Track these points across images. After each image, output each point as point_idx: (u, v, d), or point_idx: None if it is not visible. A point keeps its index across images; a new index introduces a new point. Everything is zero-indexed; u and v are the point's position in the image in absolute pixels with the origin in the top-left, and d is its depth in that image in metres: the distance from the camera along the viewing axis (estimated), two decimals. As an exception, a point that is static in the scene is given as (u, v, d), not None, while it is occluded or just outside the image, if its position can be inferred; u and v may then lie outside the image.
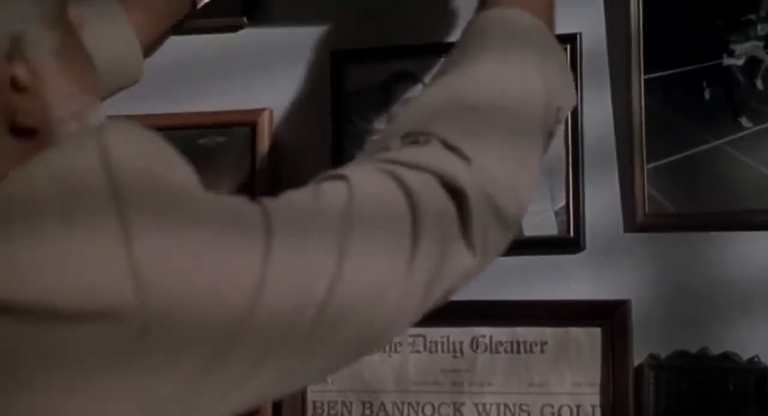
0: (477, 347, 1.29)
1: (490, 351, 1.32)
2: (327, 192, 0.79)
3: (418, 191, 0.81)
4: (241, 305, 0.70)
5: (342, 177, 0.81)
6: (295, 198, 0.78)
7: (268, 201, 0.76)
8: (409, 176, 0.81)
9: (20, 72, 0.72)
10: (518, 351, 1.31)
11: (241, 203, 0.75)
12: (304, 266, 0.73)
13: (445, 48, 1.24)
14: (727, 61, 1.23)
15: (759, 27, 1.22)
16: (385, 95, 1.32)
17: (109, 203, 0.67)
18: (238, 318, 0.70)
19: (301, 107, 1.34)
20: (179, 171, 0.72)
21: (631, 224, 1.25)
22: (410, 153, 0.84)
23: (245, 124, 1.33)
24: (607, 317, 1.24)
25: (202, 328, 0.69)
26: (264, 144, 1.33)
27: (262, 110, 1.34)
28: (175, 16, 1.26)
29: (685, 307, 1.24)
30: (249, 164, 1.33)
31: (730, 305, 1.22)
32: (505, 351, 1.31)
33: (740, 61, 1.22)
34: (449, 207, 0.82)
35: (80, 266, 0.66)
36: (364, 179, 0.81)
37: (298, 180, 1.29)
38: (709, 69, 1.23)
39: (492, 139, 0.87)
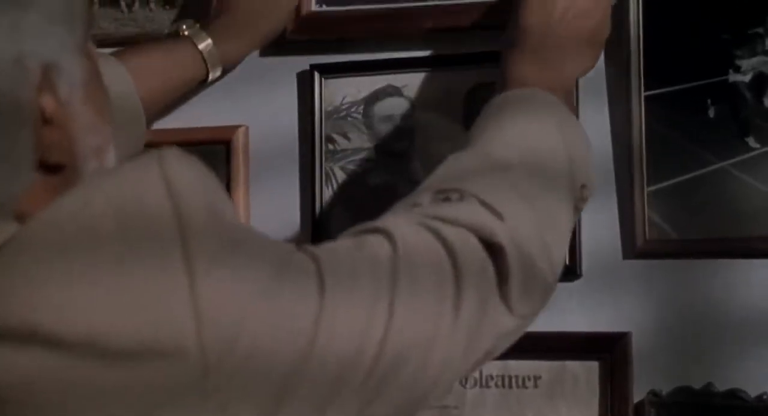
0: (466, 381, 1.26)
1: (480, 386, 1.28)
2: (371, 244, 0.80)
3: (457, 246, 0.81)
4: (298, 349, 0.70)
5: (382, 230, 0.81)
6: (339, 248, 0.79)
7: (310, 248, 0.77)
8: (447, 230, 0.82)
9: (49, 104, 0.70)
10: (510, 386, 1.27)
11: (290, 247, 0.75)
12: (357, 313, 0.74)
13: (432, 61, 1.27)
14: (733, 77, 1.18)
15: (767, 41, 1.17)
16: (367, 111, 1.29)
17: (175, 239, 0.66)
18: (297, 362, 0.70)
19: (277, 124, 1.31)
20: (230, 207, 0.73)
21: (631, 251, 1.21)
22: (445, 209, 0.85)
23: (219, 141, 1.30)
24: (606, 350, 1.20)
25: (261, 372, 0.69)
26: (239, 162, 1.30)
27: (237, 126, 1.31)
28: (186, 86, 1.25)
29: (689, 340, 1.19)
30: (224, 182, 1.29)
31: (737, 338, 1.17)
32: (496, 386, 1.28)
33: (747, 78, 1.18)
34: (487, 263, 0.83)
35: (141, 303, 0.65)
36: (405, 232, 0.81)
37: (275, 200, 1.32)
38: (714, 86, 1.19)
39: (523, 199, 0.88)
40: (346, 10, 1.33)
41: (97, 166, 0.74)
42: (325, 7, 1.34)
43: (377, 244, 0.79)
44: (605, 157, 1.21)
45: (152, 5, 1.33)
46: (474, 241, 0.82)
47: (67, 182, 0.71)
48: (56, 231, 0.66)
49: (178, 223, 0.66)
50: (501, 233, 0.83)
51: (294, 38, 1.34)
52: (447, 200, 0.87)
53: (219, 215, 0.69)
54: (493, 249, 0.83)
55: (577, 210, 0.97)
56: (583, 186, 0.96)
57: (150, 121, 1.24)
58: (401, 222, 0.83)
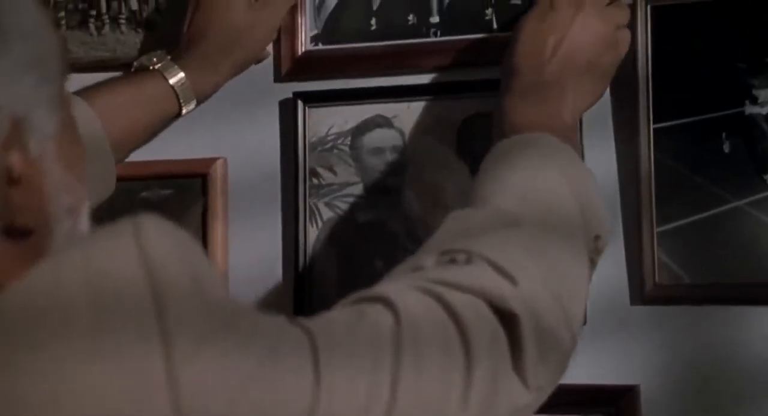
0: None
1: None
2: (371, 314, 0.74)
3: (466, 315, 0.76)
4: None
5: (382, 299, 0.75)
6: (335, 320, 0.73)
7: (305, 321, 0.72)
8: (454, 298, 0.76)
9: (18, 162, 0.65)
10: (509, 442, 1.16)
11: (282, 321, 0.70)
12: (357, 390, 0.69)
13: (425, 89, 1.22)
14: (750, 109, 1.13)
15: (786, 70, 1.11)
16: (355, 143, 1.25)
17: (151, 319, 0.62)
18: None
19: (258, 156, 1.27)
20: (216, 279, 0.67)
21: (639, 296, 1.15)
22: (451, 272, 0.80)
23: (195, 175, 1.26)
24: (612, 404, 1.14)
25: None
26: (216, 197, 1.25)
27: (215, 158, 1.27)
28: (157, 123, 1.18)
29: (702, 393, 1.13)
30: (199, 220, 1.25)
31: (754, 392, 1.12)
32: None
33: (765, 110, 1.13)
34: (499, 333, 0.77)
35: (113, 390, 0.61)
36: (408, 300, 0.75)
37: (255, 238, 1.26)
38: (729, 118, 1.13)
39: (536, 258, 0.82)
40: (345, 49, 1.28)
41: (70, 228, 0.69)
42: (321, 46, 1.30)
43: (377, 315, 0.74)
44: (611, 195, 1.16)
45: (123, 28, 1.28)
46: (484, 308, 0.77)
47: (36, 249, 0.66)
48: (26, 308, 0.62)
49: (155, 300, 0.62)
50: (514, 298, 0.78)
51: (289, 80, 1.30)
52: (453, 262, 0.81)
53: (202, 289, 0.64)
54: (506, 317, 0.77)
55: (593, 264, 0.92)
56: (597, 237, 0.91)
57: (119, 160, 1.18)
58: (403, 289, 0.77)
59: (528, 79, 1.02)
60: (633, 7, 1.17)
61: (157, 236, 0.63)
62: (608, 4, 1.11)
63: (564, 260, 0.85)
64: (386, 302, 0.74)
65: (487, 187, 0.91)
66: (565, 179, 0.91)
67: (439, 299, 0.76)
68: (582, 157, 1.13)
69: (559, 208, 0.88)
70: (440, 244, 0.84)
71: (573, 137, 1.01)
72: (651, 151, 1.15)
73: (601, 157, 1.17)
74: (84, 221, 0.70)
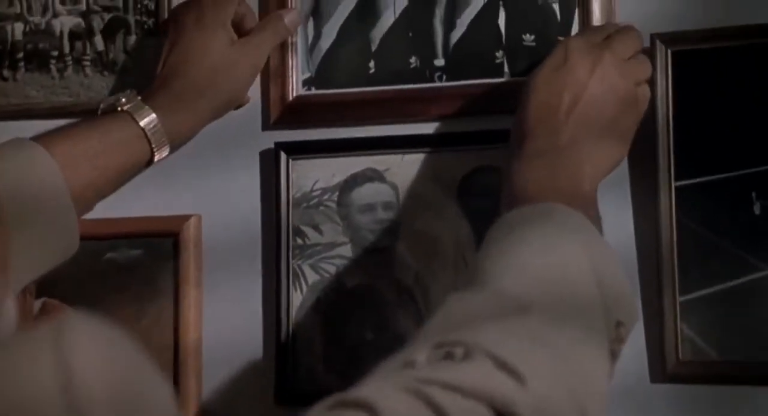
0: None
1: None
2: None
3: None
4: None
5: (363, 403, 0.67)
6: None
7: None
8: (449, 402, 0.68)
9: None
10: None
11: None
12: None
13: (421, 140, 1.17)
14: None
15: (825, 123, 1.06)
16: (343, 199, 1.22)
17: None
18: None
19: (236, 213, 1.22)
20: (157, 397, 0.58)
21: (661, 374, 1.09)
22: (447, 371, 0.71)
23: (166, 234, 1.21)
24: None
25: None
26: (189, 258, 1.20)
27: (188, 216, 1.22)
28: (127, 172, 1.10)
29: None
30: (170, 284, 1.20)
31: None
32: None
33: None
34: None
35: None
36: (393, 405, 0.67)
37: (232, 304, 1.21)
38: (760, 176, 1.08)
39: (548, 351, 0.74)
40: (341, 94, 1.22)
41: None
42: (314, 91, 1.23)
43: None
44: (629, 260, 1.11)
45: (87, 70, 1.23)
46: (486, 414, 0.68)
47: None
48: None
49: None
50: (522, 402, 0.69)
51: (278, 128, 1.24)
52: (449, 357, 0.72)
53: (135, 408, 0.55)
54: None
55: (614, 356, 0.84)
56: (618, 324, 0.83)
57: (83, 214, 1.09)
58: (388, 391, 0.69)
59: (541, 142, 0.97)
60: (651, 52, 1.12)
61: (84, 344, 0.55)
62: (628, 58, 1.05)
63: (580, 353, 0.78)
64: (368, 409, 0.67)
65: (491, 265, 0.84)
66: (584, 258, 0.84)
67: (432, 404, 0.68)
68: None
69: (575, 292, 0.81)
70: (435, 334, 0.76)
71: (592, 208, 0.95)
72: (673, 212, 1.10)
73: (618, 219, 1.11)
74: (9, 316, 0.63)
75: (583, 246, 0.85)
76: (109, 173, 1.08)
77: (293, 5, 1.22)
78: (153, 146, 1.10)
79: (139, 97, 1.11)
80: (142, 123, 1.09)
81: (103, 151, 1.07)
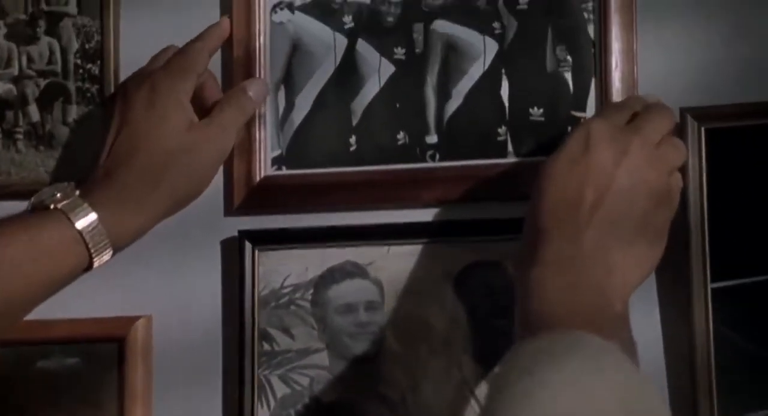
0: None
1: None
2: None
3: None
4: None
5: None
6: None
7: None
8: None
9: None
10: None
11: None
12: None
13: (410, 230, 1.10)
14: None
15: None
16: (318, 298, 1.13)
17: None
18: None
19: (192, 314, 1.15)
20: None
21: None
22: None
23: (109, 339, 1.14)
24: None
25: None
26: (137, 366, 1.13)
27: (135, 317, 1.14)
28: (60, 282, 1.01)
29: None
30: (113, 398, 1.13)
31: None
32: None
33: None
34: None
35: None
36: None
37: None
38: None
39: None
40: (316, 175, 1.13)
41: None
42: (285, 170, 1.14)
43: None
44: (657, 375, 1.04)
45: (20, 144, 1.17)
46: None
47: None
48: None
49: None
50: None
51: (242, 213, 1.14)
52: None
53: None
54: None
55: None
56: None
57: (6, 328, 1.02)
58: None
59: (560, 247, 0.88)
60: (681, 129, 1.04)
61: None
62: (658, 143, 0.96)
63: None
64: None
65: (503, 410, 0.75)
66: (619, 403, 0.76)
67: None
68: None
69: None
70: None
71: (624, 331, 0.87)
72: (709, 318, 1.02)
73: (643, 325, 1.04)
74: None
75: (618, 389, 0.77)
76: (37, 282, 0.98)
77: (260, 72, 1.14)
78: (91, 250, 0.99)
79: (78, 192, 1.00)
80: (78, 224, 0.98)
81: (31, 258, 0.97)
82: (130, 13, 1.16)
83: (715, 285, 1.03)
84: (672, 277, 1.05)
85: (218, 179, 1.13)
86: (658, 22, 1.07)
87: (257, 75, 1.12)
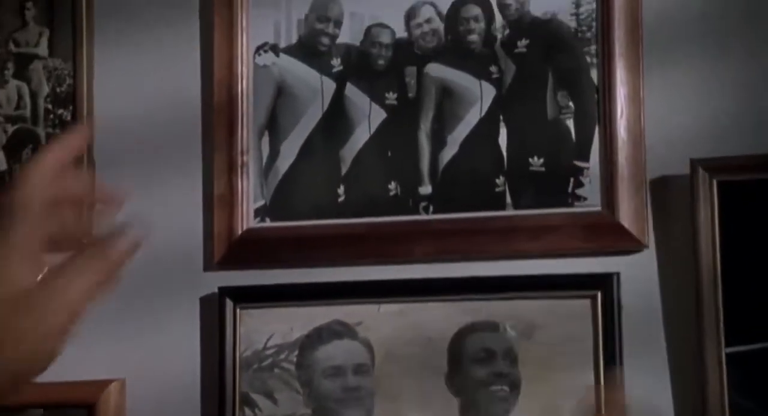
0: None
1: None
2: None
3: None
4: None
5: None
6: None
7: None
8: None
9: None
10: None
11: None
12: None
13: (402, 288, 1.05)
14: None
15: None
16: (304, 360, 1.07)
17: None
18: None
19: (168, 377, 1.11)
20: None
21: None
22: None
23: (80, 404, 1.11)
24: None
25: None
26: None
27: (108, 381, 1.11)
28: None
29: None
30: None
31: None
32: None
33: None
34: None
35: None
36: None
37: None
38: None
39: None
40: (302, 227, 1.09)
41: None
42: (269, 222, 1.10)
43: None
44: None
45: None
46: None
47: None
48: None
49: None
50: None
51: (224, 268, 1.09)
52: None
53: None
54: None
55: None
56: None
57: None
58: None
59: None
60: (692, 181, 1.00)
61: None
62: None
63: None
64: None
65: None
66: None
67: None
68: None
69: None
70: None
71: None
72: (723, 386, 0.98)
73: (654, 389, 1.00)
74: None
75: None
76: None
77: (243, 117, 1.08)
78: None
79: None
80: None
81: None
82: (105, 55, 1.12)
83: (730, 350, 0.97)
84: (683, 341, 1.01)
85: (197, 231, 1.09)
86: (665, 66, 1.01)
87: (240, 121, 1.07)
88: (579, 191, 1.01)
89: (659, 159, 1.03)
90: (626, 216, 1.01)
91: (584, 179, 1.01)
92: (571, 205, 1.01)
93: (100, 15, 1.12)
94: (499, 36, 1.04)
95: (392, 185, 1.07)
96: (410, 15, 1.07)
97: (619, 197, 1.00)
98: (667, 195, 1.02)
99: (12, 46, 1.12)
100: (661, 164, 1.02)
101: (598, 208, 1.01)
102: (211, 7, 1.10)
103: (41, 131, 1.12)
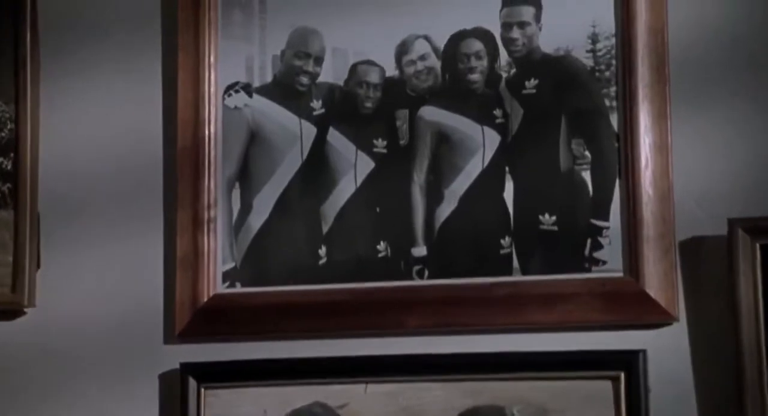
0: None
1: None
2: None
3: None
4: None
5: None
6: None
7: None
8: None
9: None
10: None
11: None
12: None
13: (392, 364, 0.95)
14: None
15: None
16: None
17: None
18: None
19: None
20: None
21: None
22: None
23: None
24: None
25: None
26: None
27: None
28: None
29: None
30: None
31: None
32: None
33: None
34: None
35: None
36: None
37: None
38: None
39: None
40: (277, 294, 0.99)
41: None
42: (239, 288, 1.00)
43: None
44: None
45: None
46: None
47: None
48: None
49: None
50: None
51: (187, 341, 1.00)
52: None
53: None
54: None
55: None
56: None
57: None
58: None
59: None
60: (730, 241, 0.90)
61: None
62: None
63: None
64: None
65: None
66: None
67: None
68: None
69: None
70: None
71: None
72: None
73: None
74: None
75: None
76: None
77: (210, 166, 0.99)
78: None
79: None
80: None
81: None
82: (51, 97, 1.02)
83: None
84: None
85: (157, 297, 0.99)
86: (696, 110, 0.92)
87: (207, 170, 0.97)
88: (597, 254, 0.91)
89: (690, 218, 0.93)
90: (653, 283, 0.91)
91: (603, 240, 0.92)
92: (588, 270, 0.91)
93: (46, 51, 1.04)
94: (504, 75, 0.95)
95: (381, 246, 0.97)
96: (402, 51, 0.97)
97: (644, 261, 0.91)
98: (700, 260, 0.91)
99: (-53, 88, 1.03)
100: (693, 223, 0.93)
101: (620, 273, 0.90)
102: (174, 41, 1.01)
103: (-23, 183, 1.02)
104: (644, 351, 0.97)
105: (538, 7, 0.95)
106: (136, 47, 1.02)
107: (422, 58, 0.96)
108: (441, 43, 0.95)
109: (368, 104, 0.97)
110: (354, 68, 0.96)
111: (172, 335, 0.99)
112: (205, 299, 0.98)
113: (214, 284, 0.99)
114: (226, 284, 0.98)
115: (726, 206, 0.91)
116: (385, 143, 0.97)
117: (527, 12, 0.95)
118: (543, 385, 0.91)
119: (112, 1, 1.04)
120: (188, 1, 1.00)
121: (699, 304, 0.98)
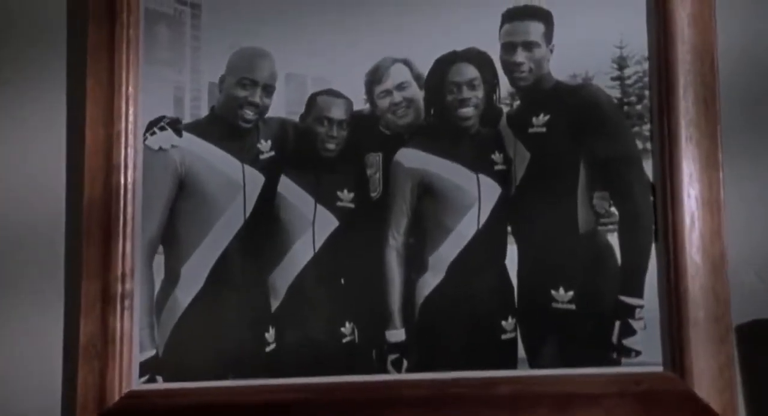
0: None
1: None
2: None
3: None
4: None
5: None
6: None
7: None
8: None
9: None
10: None
11: None
12: None
13: None
14: None
15: None
16: None
17: None
18: None
19: None
20: None
21: None
22: None
23: None
24: None
25: None
26: None
27: None
28: None
29: None
30: None
31: None
32: None
33: None
34: None
35: None
36: None
37: None
38: None
39: None
40: (208, 391, 0.81)
41: None
42: (161, 383, 0.82)
43: None
44: None
45: None
46: None
47: None
48: None
49: None
50: None
51: None
52: None
53: None
54: None
55: None
56: None
57: None
58: None
59: None
60: None
61: None
62: None
63: None
64: None
65: None
66: None
67: None
68: None
69: None
70: None
71: None
72: None
73: None
74: None
75: None
76: None
77: (126, 224, 0.81)
78: None
79: None
80: None
81: None
82: None
83: None
84: None
85: (53, 395, 0.80)
86: (755, 154, 0.73)
87: (120, 231, 0.79)
88: (629, 342, 0.73)
89: (750, 295, 0.75)
90: (703, 382, 0.72)
91: (636, 324, 0.73)
92: (617, 363, 0.73)
93: None
94: (506, 109, 0.77)
95: (347, 328, 0.79)
96: (374, 78, 0.80)
97: (691, 351, 0.73)
98: (764, 349, 0.72)
99: None
100: (754, 302, 0.74)
101: (660, 368, 0.72)
102: (82, 65, 0.83)
103: None
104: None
105: (549, 23, 0.78)
106: (32, 72, 0.83)
107: (400, 87, 0.79)
108: (424, 68, 0.78)
109: (330, 146, 0.80)
110: (313, 100, 0.79)
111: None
112: (116, 399, 0.80)
113: (128, 379, 0.81)
114: (144, 378, 0.80)
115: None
116: (351, 195, 0.79)
117: (535, 29, 0.78)
118: None
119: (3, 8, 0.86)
120: (100, 14, 0.81)
121: (765, 409, 0.78)
